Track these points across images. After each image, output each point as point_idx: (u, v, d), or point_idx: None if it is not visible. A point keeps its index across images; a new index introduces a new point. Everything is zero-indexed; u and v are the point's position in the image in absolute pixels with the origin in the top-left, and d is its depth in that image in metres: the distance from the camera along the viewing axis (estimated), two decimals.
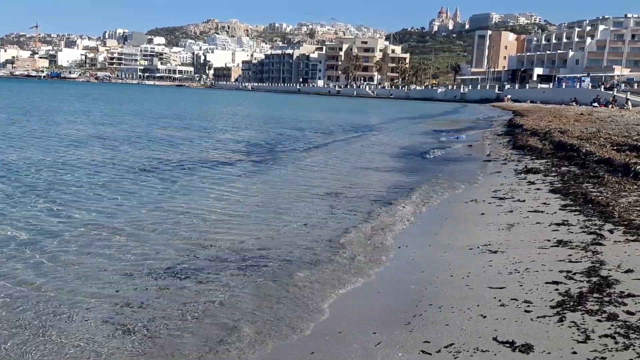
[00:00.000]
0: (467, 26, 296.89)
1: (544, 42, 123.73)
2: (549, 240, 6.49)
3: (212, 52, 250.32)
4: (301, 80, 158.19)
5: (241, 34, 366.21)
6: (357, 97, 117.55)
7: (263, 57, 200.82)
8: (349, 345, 4.16)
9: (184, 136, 21.90)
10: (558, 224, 7.19)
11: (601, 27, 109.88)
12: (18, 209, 8.30)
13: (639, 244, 5.97)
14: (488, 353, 3.77)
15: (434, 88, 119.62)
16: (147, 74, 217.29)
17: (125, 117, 32.75)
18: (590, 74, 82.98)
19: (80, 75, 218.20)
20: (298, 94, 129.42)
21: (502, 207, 8.85)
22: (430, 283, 5.45)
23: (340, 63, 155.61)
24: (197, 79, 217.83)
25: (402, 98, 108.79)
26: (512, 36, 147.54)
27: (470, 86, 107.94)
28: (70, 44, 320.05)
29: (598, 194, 8.77)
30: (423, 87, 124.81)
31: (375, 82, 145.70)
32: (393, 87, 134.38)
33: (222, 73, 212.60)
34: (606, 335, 3.80)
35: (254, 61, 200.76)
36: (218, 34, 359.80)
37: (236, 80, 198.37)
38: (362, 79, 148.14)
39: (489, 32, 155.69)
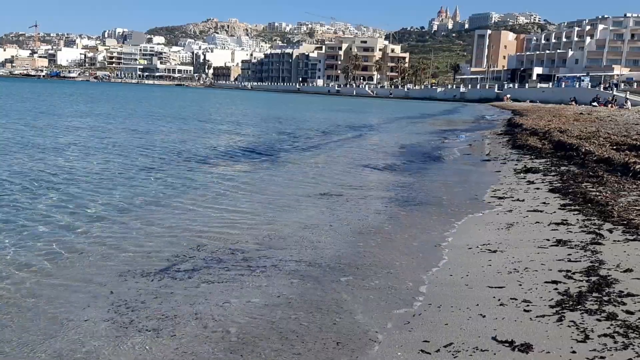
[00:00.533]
0: (466, 25, 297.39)
1: (543, 41, 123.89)
2: (548, 240, 6.50)
3: (212, 51, 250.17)
4: (300, 79, 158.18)
5: (241, 34, 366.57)
6: (357, 96, 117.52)
7: (262, 56, 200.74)
8: None
9: (183, 136, 21.88)
10: (557, 224, 7.20)
11: (601, 27, 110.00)
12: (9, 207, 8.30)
13: (638, 244, 5.98)
14: (487, 352, 3.77)
15: (434, 87, 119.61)
16: (147, 74, 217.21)
17: (125, 117, 32.72)
18: (590, 74, 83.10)
19: (79, 74, 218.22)
20: (297, 94, 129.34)
21: (502, 206, 8.86)
22: (430, 282, 5.46)
23: (339, 62, 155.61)
24: (197, 78, 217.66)
25: (401, 97, 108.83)
26: (511, 35, 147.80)
27: (469, 85, 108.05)
28: (70, 43, 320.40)
29: (597, 193, 8.78)
30: (422, 87, 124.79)
31: (374, 82, 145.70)
32: (392, 86, 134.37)
33: (222, 72, 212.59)
34: (605, 335, 3.81)
35: (253, 60, 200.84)
36: (217, 33, 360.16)
37: (236, 79, 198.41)
38: (362, 78, 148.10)
39: (489, 31, 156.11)
